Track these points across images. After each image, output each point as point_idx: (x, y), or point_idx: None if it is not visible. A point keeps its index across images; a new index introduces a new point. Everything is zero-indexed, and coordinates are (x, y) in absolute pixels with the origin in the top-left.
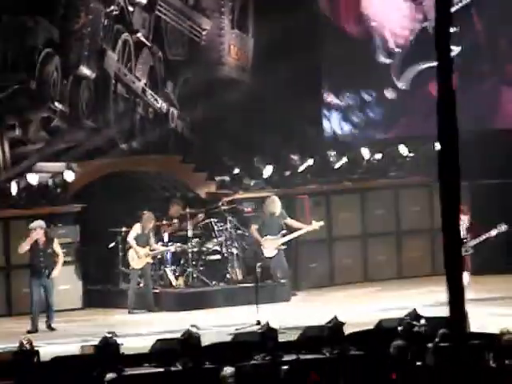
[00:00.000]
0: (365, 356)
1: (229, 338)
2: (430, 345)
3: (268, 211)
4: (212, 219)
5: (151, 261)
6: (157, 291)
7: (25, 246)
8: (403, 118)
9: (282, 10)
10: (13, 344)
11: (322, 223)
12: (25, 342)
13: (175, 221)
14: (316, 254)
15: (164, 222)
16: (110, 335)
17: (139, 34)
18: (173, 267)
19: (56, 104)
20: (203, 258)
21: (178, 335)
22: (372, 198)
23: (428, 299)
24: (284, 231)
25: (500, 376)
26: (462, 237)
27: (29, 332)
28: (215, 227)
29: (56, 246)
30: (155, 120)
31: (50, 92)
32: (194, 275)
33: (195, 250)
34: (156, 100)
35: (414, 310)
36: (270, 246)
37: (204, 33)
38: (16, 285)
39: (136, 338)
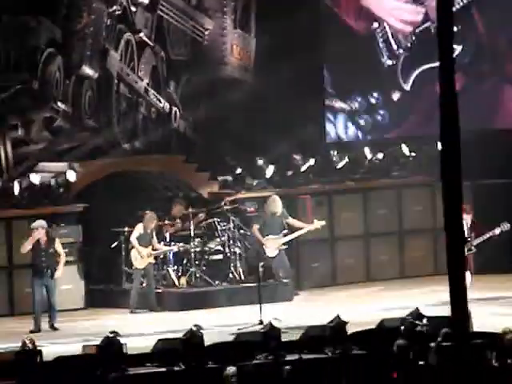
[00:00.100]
0: (367, 355)
1: (231, 338)
2: (432, 344)
3: (269, 211)
4: (215, 219)
5: (154, 261)
6: (159, 291)
7: (27, 246)
8: (409, 118)
9: (285, 9)
10: (15, 344)
11: (323, 222)
12: (27, 342)
13: (178, 220)
14: (318, 253)
15: (166, 222)
16: (112, 335)
17: (142, 34)
18: (175, 267)
19: (58, 104)
20: (206, 257)
21: (180, 335)
22: (374, 197)
23: (430, 299)
24: (285, 231)
25: (502, 375)
26: (465, 236)
27: (31, 332)
28: (218, 227)
29: (58, 246)
30: (158, 120)
31: (53, 92)
32: (197, 275)
33: (198, 249)
34: (159, 100)
35: (417, 309)
36: (272, 246)
37: (206, 33)
38: (18, 284)
39: (138, 338)
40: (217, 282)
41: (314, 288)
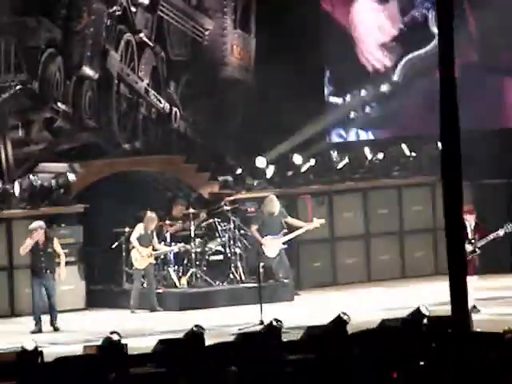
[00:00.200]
0: (368, 355)
1: (232, 338)
2: (433, 344)
3: (267, 211)
4: (215, 219)
5: (154, 261)
6: (160, 291)
7: (25, 248)
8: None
9: (285, 9)
10: (16, 344)
11: (322, 221)
12: (28, 343)
13: (178, 221)
14: (319, 253)
15: (167, 222)
16: (113, 335)
17: (142, 35)
18: (176, 267)
19: (59, 104)
20: (206, 258)
21: (181, 335)
22: (375, 197)
23: (431, 298)
24: (285, 230)
25: (503, 375)
26: (469, 237)
27: (32, 332)
28: (218, 227)
29: (56, 246)
30: (158, 120)
31: (53, 92)
32: (197, 275)
33: (198, 250)
34: (159, 100)
35: (417, 309)
36: (272, 246)
37: (207, 33)
38: (19, 285)
39: (139, 338)
40: (217, 283)
41: (315, 288)
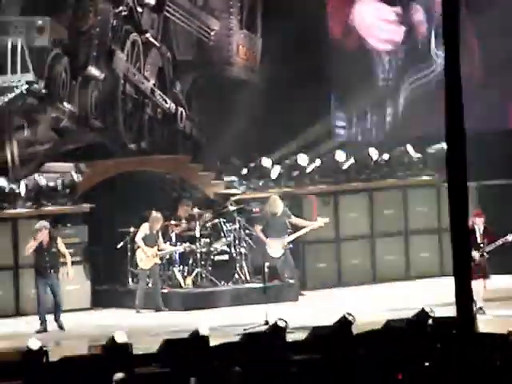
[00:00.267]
0: (373, 356)
1: (237, 338)
2: (438, 345)
3: (270, 211)
4: (220, 219)
5: (159, 261)
6: (165, 291)
7: (30, 248)
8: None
9: (291, 9)
10: (21, 344)
11: (327, 219)
12: (33, 342)
13: (183, 221)
14: (324, 254)
15: (172, 222)
16: (118, 335)
17: (148, 35)
18: (181, 267)
19: (65, 104)
20: (211, 258)
21: (186, 335)
22: (380, 198)
23: (436, 299)
24: (289, 230)
25: (507, 376)
26: (478, 241)
27: (37, 332)
28: (224, 227)
29: (61, 246)
30: (164, 120)
31: (59, 92)
32: (203, 275)
33: (203, 250)
34: (165, 100)
35: (422, 310)
36: (276, 246)
37: (212, 33)
38: (24, 285)
39: (144, 338)
40: (222, 283)
41: (320, 288)
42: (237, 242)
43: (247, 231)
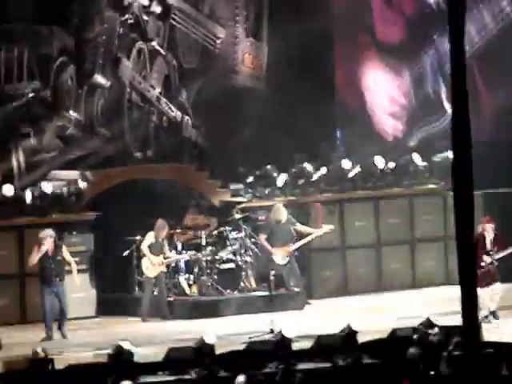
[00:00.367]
0: (378, 365)
1: (242, 347)
2: (443, 353)
3: (274, 219)
4: (226, 228)
5: (165, 269)
6: (171, 299)
7: (34, 258)
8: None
9: (297, 18)
10: (27, 352)
11: (331, 226)
12: (39, 350)
13: (189, 229)
14: (330, 262)
15: (178, 231)
16: (123, 343)
17: (154, 43)
18: (187, 275)
19: (71, 112)
20: (217, 266)
21: (191, 343)
22: (386, 206)
23: (441, 308)
24: (295, 238)
25: None
26: (487, 248)
27: (43, 340)
28: (229, 236)
29: (66, 254)
30: (169, 128)
31: (65, 100)
32: (208, 283)
33: (209, 258)
34: (170, 108)
35: (428, 318)
36: (281, 254)
37: (218, 41)
38: (30, 293)
39: (150, 346)
40: (228, 291)
41: (326, 297)
42: (242, 250)
43: (253, 239)
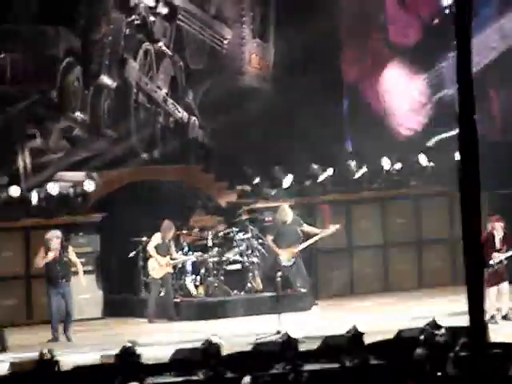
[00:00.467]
0: (385, 366)
1: (249, 348)
2: (450, 354)
3: (279, 220)
4: (233, 229)
5: (171, 270)
6: (177, 300)
7: (41, 261)
8: None
9: (304, 19)
10: (33, 353)
11: (338, 226)
12: (45, 352)
13: (196, 230)
14: (336, 263)
15: (184, 232)
16: (130, 345)
17: (160, 44)
18: (193, 276)
19: (77, 113)
20: (224, 267)
21: (198, 344)
22: (392, 207)
23: (448, 309)
24: (302, 238)
25: None
26: (497, 247)
27: (49, 341)
28: (236, 237)
29: (72, 255)
30: (176, 129)
31: (71, 101)
32: (215, 284)
33: (216, 259)
34: (177, 109)
35: (434, 319)
36: (288, 255)
37: (225, 42)
38: (36, 294)
39: (156, 348)
40: (235, 292)
41: (332, 298)
42: (249, 251)
43: (260, 240)
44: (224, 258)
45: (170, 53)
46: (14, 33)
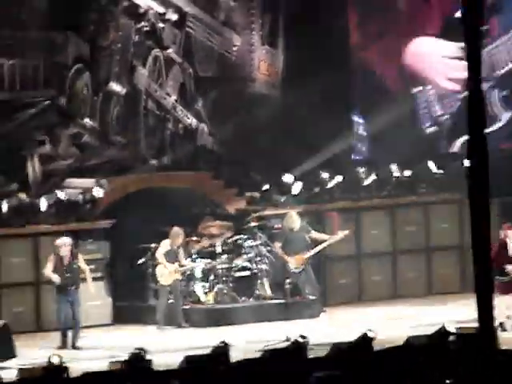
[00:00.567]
0: (394, 373)
1: (258, 355)
2: (459, 362)
3: (287, 227)
4: (242, 235)
5: (180, 277)
6: (186, 307)
7: (49, 270)
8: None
9: (313, 25)
10: (42, 360)
11: (346, 232)
12: (54, 358)
13: (204, 237)
14: (345, 270)
15: (193, 238)
16: (139, 351)
17: (170, 50)
18: (202, 283)
19: (86, 120)
20: (232, 274)
21: (207, 351)
22: (401, 214)
23: (457, 316)
24: (310, 245)
25: None
26: (510, 255)
27: (58, 348)
28: (245, 243)
29: (81, 262)
30: (185, 136)
31: (80, 108)
32: (224, 291)
33: (225, 266)
34: (186, 116)
35: (443, 326)
36: (296, 262)
37: (234, 49)
38: (45, 300)
39: (165, 354)
40: (243, 299)
41: (341, 305)
42: (258, 258)
43: (268, 247)
44: (233, 265)
45: (179, 59)
46: (23, 39)
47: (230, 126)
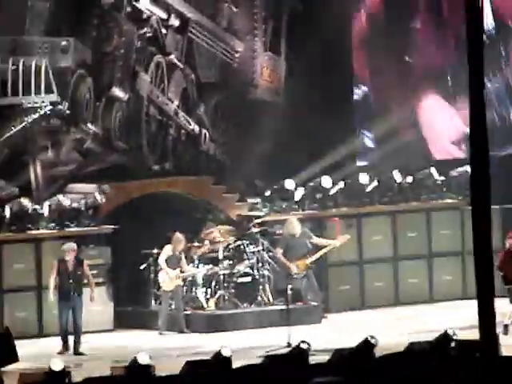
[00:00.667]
0: (395, 379)
1: (259, 360)
2: (460, 368)
3: (287, 233)
4: (243, 241)
5: (182, 283)
6: (188, 313)
7: (52, 284)
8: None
9: (315, 32)
10: (44, 365)
11: (347, 236)
12: (56, 363)
13: (206, 243)
14: (347, 276)
15: (195, 244)
16: (140, 357)
17: (172, 56)
18: (204, 289)
19: (88, 125)
20: (234, 280)
21: (208, 357)
22: (403, 220)
23: (459, 322)
24: (312, 251)
25: None
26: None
27: (60, 353)
28: (247, 249)
29: (86, 268)
30: (187, 142)
31: (83, 113)
32: (225, 297)
33: (226, 272)
34: (188, 122)
35: (445, 332)
36: (298, 268)
37: (237, 55)
38: (47, 305)
39: (167, 360)
40: (245, 305)
41: (343, 311)
42: (260, 264)
43: (270, 253)
44: (235, 271)
45: (181, 65)
46: (25, 44)
47: (232, 132)
